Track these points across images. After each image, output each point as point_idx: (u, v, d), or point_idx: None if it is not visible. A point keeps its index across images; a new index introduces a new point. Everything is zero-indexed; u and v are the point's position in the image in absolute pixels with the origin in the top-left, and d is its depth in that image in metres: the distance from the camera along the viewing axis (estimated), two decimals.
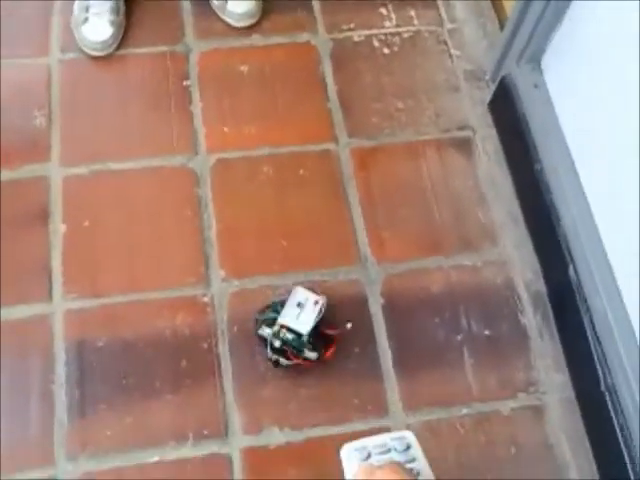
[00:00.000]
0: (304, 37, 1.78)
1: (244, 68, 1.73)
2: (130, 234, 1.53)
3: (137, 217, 1.55)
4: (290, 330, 1.38)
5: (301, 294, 1.42)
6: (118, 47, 1.72)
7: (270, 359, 1.41)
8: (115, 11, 1.72)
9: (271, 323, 1.40)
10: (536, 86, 1.60)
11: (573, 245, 1.47)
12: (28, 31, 1.75)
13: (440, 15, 1.84)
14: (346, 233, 1.57)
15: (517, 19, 1.58)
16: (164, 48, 1.74)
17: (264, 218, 1.57)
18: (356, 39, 1.79)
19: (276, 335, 1.38)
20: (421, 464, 0.59)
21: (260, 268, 1.52)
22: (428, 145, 1.67)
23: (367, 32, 1.80)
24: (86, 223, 1.53)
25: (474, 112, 1.72)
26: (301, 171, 1.62)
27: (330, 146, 1.65)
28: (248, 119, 1.67)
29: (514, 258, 1.57)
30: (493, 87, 1.72)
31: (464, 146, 1.68)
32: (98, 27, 1.70)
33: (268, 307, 1.44)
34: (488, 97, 1.72)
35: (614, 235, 1.40)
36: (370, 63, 1.76)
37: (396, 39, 1.79)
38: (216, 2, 1.78)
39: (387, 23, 1.81)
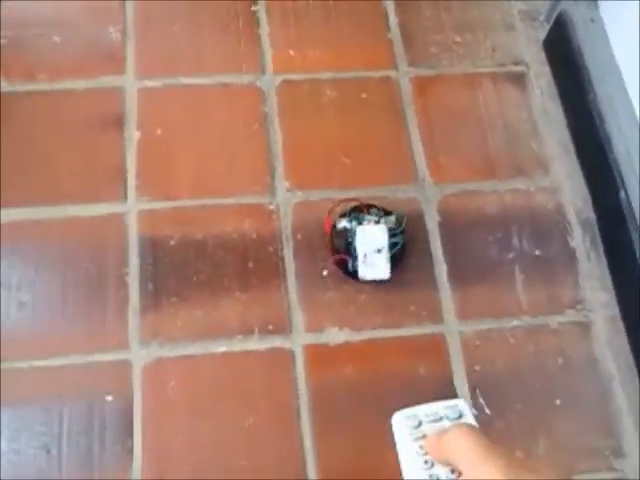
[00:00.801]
0: None
1: None
2: (200, 144, 1.55)
3: (207, 129, 1.57)
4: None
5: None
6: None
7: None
8: None
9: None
10: (592, 20, 1.61)
11: (625, 170, 1.48)
12: None
13: None
14: (405, 154, 1.58)
15: None
16: None
17: (327, 137, 1.59)
18: None
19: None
20: None
21: (322, 182, 1.54)
22: (484, 77, 1.69)
23: None
24: (159, 131, 1.55)
25: (529, 50, 1.73)
26: (363, 95, 1.64)
27: (391, 73, 1.67)
28: (313, 44, 1.68)
29: (565, 186, 1.58)
30: (547, 27, 1.73)
31: (518, 80, 1.69)
32: None
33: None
34: (542, 36, 1.73)
35: None
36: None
37: None
38: None
39: None
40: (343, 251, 1.45)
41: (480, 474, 0.46)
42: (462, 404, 0.56)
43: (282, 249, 1.46)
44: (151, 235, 1.45)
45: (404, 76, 1.67)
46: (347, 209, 1.48)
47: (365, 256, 1.41)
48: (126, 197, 1.48)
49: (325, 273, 1.44)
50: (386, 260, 1.42)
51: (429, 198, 1.54)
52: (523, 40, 1.75)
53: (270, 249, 1.46)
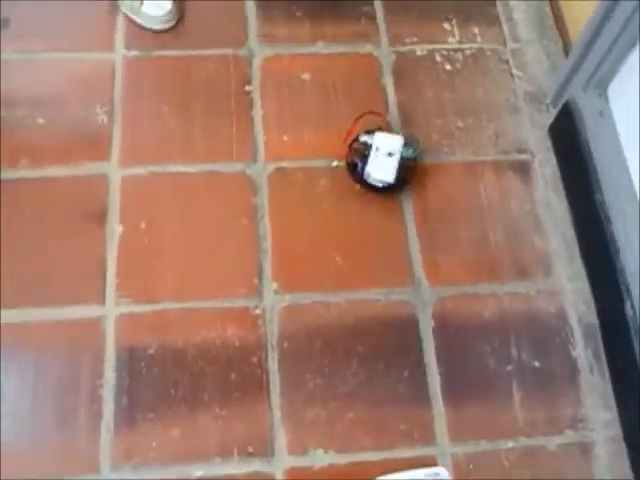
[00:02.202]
0: (367, 48, 1.62)
1: (306, 76, 1.57)
2: (186, 239, 1.40)
3: (193, 222, 1.41)
4: None
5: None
6: (182, 48, 1.58)
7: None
8: None
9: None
10: (602, 114, 1.43)
11: (632, 281, 1.32)
12: (94, 25, 1.61)
13: (503, 34, 1.67)
14: (400, 252, 1.42)
15: (586, 46, 1.41)
16: (228, 51, 1.58)
17: (319, 232, 1.43)
18: (419, 53, 1.62)
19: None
20: None
21: (313, 284, 1.38)
22: (487, 166, 1.52)
23: (430, 47, 1.63)
24: (143, 225, 1.40)
25: (534, 135, 1.56)
26: (358, 186, 1.47)
27: None
28: (308, 128, 1.52)
29: (568, 288, 1.42)
30: (554, 111, 1.55)
31: (522, 169, 1.52)
32: (157, 1, 1.58)
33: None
34: (549, 121, 1.56)
35: None
36: (432, 78, 1.59)
37: (458, 55, 1.62)
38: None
39: (450, 39, 1.64)
40: (357, 158, 1.46)
41: None
42: (443, 472, 0.52)
43: (267, 359, 1.31)
44: (129, 343, 1.30)
45: None
46: (373, 128, 1.48)
47: (377, 154, 1.44)
48: (105, 299, 1.33)
49: (311, 387, 1.29)
50: (394, 165, 1.44)
51: (425, 301, 1.38)
52: (528, 124, 1.57)
53: (254, 359, 1.30)
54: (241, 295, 1.35)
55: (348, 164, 1.48)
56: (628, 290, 1.31)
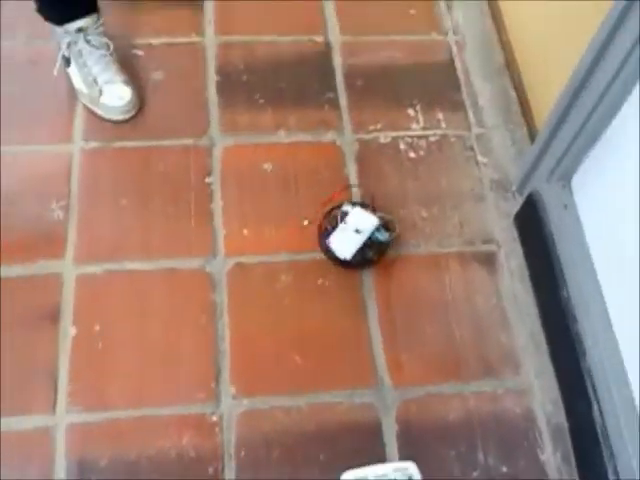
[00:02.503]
0: (330, 136, 1.60)
1: (268, 166, 1.55)
2: (141, 342, 1.35)
3: (150, 323, 1.37)
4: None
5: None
6: (142, 138, 1.55)
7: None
8: (122, 71, 1.58)
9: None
10: (566, 207, 1.41)
11: (598, 383, 1.28)
12: (52, 117, 1.58)
13: (468, 119, 1.65)
14: (363, 352, 1.38)
15: (549, 137, 1.40)
16: (188, 141, 1.56)
17: (279, 330, 1.39)
18: (382, 140, 1.61)
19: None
20: None
21: (272, 386, 1.33)
22: (451, 257, 1.49)
23: (394, 134, 1.62)
24: (97, 327, 1.35)
25: (499, 225, 1.54)
26: (320, 280, 1.44)
27: None
28: (269, 222, 1.49)
29: (535, 386, 1.38)
30: (520, 200, 1.54)
31: (488, 260, 1.50)
32: (116, 92, 1.56)
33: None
34: (515, 209, 1.54)
35: None
36: (395, 167, 1.58)
37: (422, 142, 1.61)
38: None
39: (414, 125, 1.63)
40: (328, 224, 1.46)
41: None
42: (412, 467, 0.54)
43: (223, 469, 1.26)
44: (80, 454, 1.25)
45: None
46: (359, 201, 1.51)
47: (346, 227, 1.44)
48: (55, 408, 1.27)
49: None
50: (357, 244, 1.43)
51: (388, 404, 1.33)
52: (493, 213, 1.55)
53: (210, 470, 1.25)
54: (198, 400, 1.31)
55: (319, 227, 1.47)
56: (595, 393, 1.28)
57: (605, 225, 1.34)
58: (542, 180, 1.45)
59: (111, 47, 1.56)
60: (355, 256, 1.43)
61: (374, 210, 1.48)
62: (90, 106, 1.57)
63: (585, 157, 1.38)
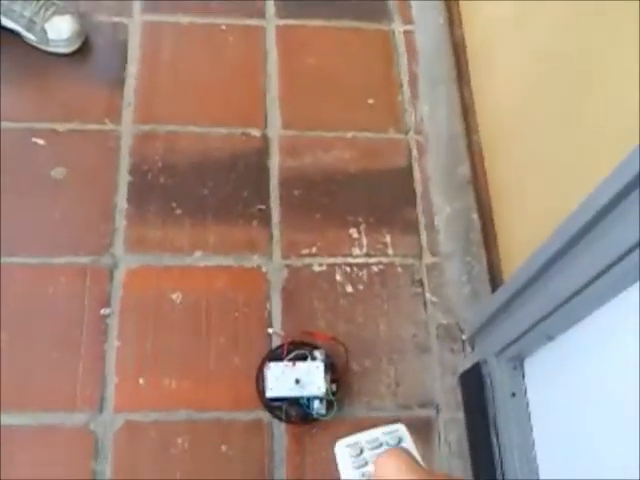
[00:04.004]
0: (255, 261, 1.37)
1: (176, 296, 1.33)
2: None
3: None
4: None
5: None
6: (31, 254, 1.33)
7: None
8: None
9: None
10: (514, 395, 1.20)
11: None
12: None
13: (420, 244, 1.42)
14: None
15: (509, 302, 1.18)
16: (86, 260, 1.34)
17: None
18: (316, 269, 1.38)
19: None
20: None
21: None
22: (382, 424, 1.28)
23: (330, 260, 1.38)
24: None
25: (441, 384, 1.32)
26: (223, 447, 1.24)
27: (263, 415, 1.26)
28: (170, 370, 1.27)
29: None
30: (470, 352, 1.33)
31: (424, 429, 1.29)
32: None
33: None
34: (462, 364, 1.32)
35: None
36: (327, 305, 1.35)
37: (363, 273, 1.38)
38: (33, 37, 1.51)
39: (356, 250, 1.40)
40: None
41: None
42: (402, 429, 0.54)
43: None
44: None
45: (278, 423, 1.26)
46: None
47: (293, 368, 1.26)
48: None
49: None
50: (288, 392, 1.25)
51: None
52: (436, 369, 1.33)
53: None
54: None
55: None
56: None
57: (556, 421, 1.14)
58: (493, 350, 1.23)
59: None
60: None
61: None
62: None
63: (549, 341, 1.16)
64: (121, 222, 1.37)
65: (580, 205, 0.94)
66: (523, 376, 1.21)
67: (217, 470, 1.23)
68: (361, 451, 0.54)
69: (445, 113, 1.52)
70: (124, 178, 1.41)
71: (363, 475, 0.52)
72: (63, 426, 1.23)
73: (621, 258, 0.86)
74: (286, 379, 1.24)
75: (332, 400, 1.25)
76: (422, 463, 0.51)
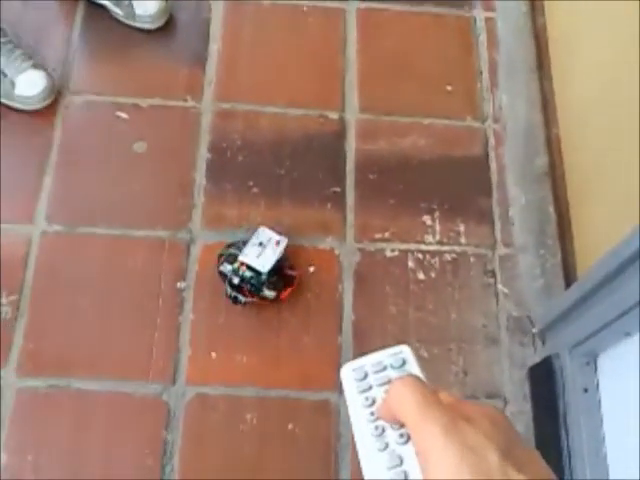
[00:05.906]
0: (328, 242, 1.39)
1: None
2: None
3: (88, 458, 1.22)
4: (250, 268, 1.29)
5: (264, 234, 1.32)
6: (111, 225, 1.36)
7: (229, 296, 1.30)
8: (27, 55, 1.46)
9: (232, 260, 1.30)
10: (586, 391, 1.19)
11: None
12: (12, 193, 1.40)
13: (494, 235, 1.42)
14: None
15: (585, 298, 1.17)
16: (164, 233, 1.37)
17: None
18: (388, 254, 1.38)
19: (235, 272, 1.29)
20: None
21: None
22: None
23: (403, 246, 1.39)
24: (29, 457, 1.21)
25: (510, 376, 1.32)
26: (290, 425, 1.26)
27: (331, 396, 1.29)
28: (241, 346, 1.30)
29: None
30: (540, 346, 1.32)
31: None
32: (29, 79, 1.43)
33: (231, 245, 1.33)
34: (531, 359, 1.32)
35: None
36: (399, 290, 1.36)
37: (436, 261, 1.38)
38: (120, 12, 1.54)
39: (429, 237, 1.40)
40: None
41: (422, 435, 0.43)
42: (406, 351, 0.53)
43: None
44: None
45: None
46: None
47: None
48: None
49: None
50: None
51: None
52: (505, 361, 1.33)
53: None
54: None
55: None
56: None
57: (629, 419, 1.12)
58: (566, 345, 1.22)
59: (7, 32, 1.45)
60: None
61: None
62: (6, 102, 1.45)
63: (626, 338, 1.14)
64: (199, 198, 1.40)
65: None
66: (595, 371, 1.20)
67: (283, 448, 1.25)
68: (365, 375, 0.52)
69: (524, 102, 1.50)
70: (203, 155, 1.43)
71: (367, 400, 0.50)
72: (137, 394, 1.26)
73: None
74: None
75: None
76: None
